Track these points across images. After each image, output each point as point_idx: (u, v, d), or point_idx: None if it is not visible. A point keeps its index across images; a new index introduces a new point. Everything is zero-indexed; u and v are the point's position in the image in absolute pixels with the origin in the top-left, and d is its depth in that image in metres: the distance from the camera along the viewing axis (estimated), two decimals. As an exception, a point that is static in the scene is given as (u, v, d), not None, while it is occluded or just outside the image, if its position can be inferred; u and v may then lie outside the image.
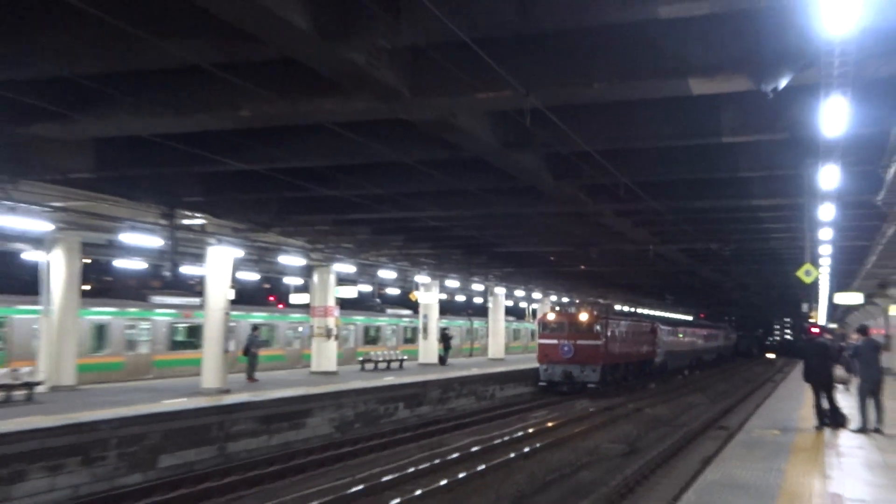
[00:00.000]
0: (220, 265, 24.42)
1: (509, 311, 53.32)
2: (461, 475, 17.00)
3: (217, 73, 11.17)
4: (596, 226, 25.42)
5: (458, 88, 11.23)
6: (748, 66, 10.13)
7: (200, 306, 28.67)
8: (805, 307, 61.73)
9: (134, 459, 16.83)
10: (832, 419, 16.37)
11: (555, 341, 37.06)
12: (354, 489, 15.47)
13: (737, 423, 24.89)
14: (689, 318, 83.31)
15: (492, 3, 9.18)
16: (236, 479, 16.96)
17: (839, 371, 17.39)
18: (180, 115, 12.86)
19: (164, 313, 32.55)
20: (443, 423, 26.93)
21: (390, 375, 31.48)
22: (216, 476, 17.31)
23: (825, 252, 26.75)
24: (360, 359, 36.48)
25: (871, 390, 16.02)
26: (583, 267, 39.03)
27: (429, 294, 39.49)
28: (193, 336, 32.03)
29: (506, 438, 22.86)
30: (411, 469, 17.69)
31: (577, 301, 50.18)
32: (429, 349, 39.81)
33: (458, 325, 53.59)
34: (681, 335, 58.72)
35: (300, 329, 38.55)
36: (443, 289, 42.19)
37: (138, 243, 22.30)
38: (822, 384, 16.50)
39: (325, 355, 31.68)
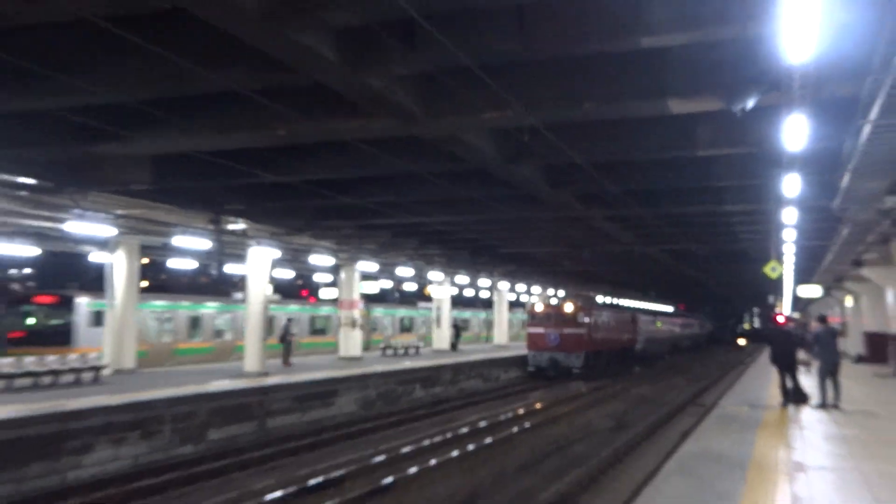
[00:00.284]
0: (260, 264, 24.51)
1: (516, 304, 53.11)
2: (470, 448, 16.96)
3: (256, 98, 11.24)
4: (587, 229, 25.39)
5: (465, 109, 11.29)
6: (720, 89, 10.15)
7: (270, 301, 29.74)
8: (771, 299, 61.54)
9: (185, 433, 16.87)
10: (795, 397, 16.32)
11: (542, 330, 36.04)
12: (377, 459, 15.46)
13: (712, 400, 24.74)
14: (671, 309, 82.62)
15: (495, 35, 9.19)
16: (275, 450, 16.97)
17: (801, 355, 17.35)
18: (224, 134, 12.94)
19: (242, 307, 32.72)
20: (454, 401, 26.85)
21: (408, 360, 31.47)
22: (258, 447, 17.37)
23: (789, 251, 26.72)
24: (382, 345, 36.52)
25: (829, 371, 15.98)
26: (568, 263, 38.94)
27: (441, 289, 39.50)
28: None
29: (509, 415, 22.81)
30: (427, 442, 17.64)
31: (564, 294, 49.85)
32: (442, 337, 39.90)
33: (476, 315, 53.87)
34: (659, 324, 57.44)
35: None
36: (460, 284, 42.27)
37: (189, 245, 22.37)
38: (787, 366, 16.50)
39: (351, 342, 31.64)
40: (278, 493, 12.54)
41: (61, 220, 18.56)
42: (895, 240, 16.51)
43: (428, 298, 50.09)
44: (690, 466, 9.67)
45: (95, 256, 25.64)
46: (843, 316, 40.00)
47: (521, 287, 49.62)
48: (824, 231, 22.61)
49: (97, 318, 26.02)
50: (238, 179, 16.66)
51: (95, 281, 26.52)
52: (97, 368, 20.58)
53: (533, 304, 38.05)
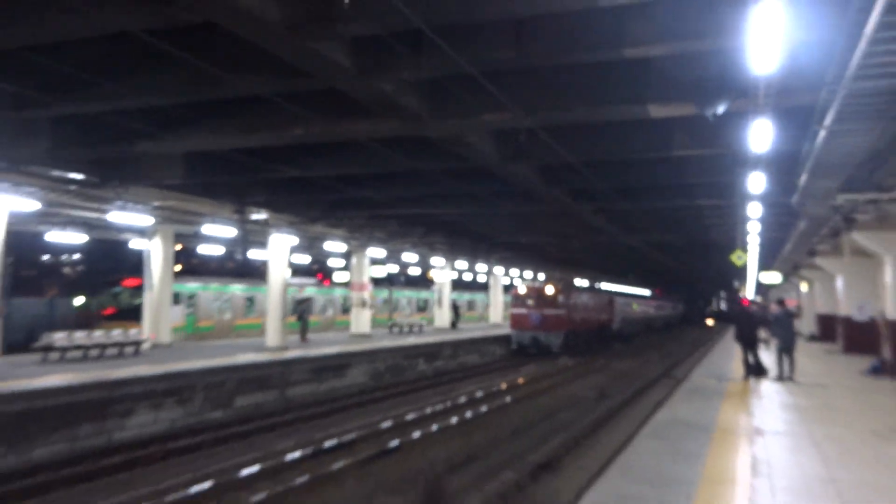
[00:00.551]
0: (280, 250, 24.55)
1: (511, 287, 53.07)
2: (468, 415, 17.05)
3: (277, 102, 11.26)
4: (576, 221, 25.38)
5: (467, 112, 11.29)
6: (695, 96, 10.16)
7: (309, 284, 32.73)
8: (737, 284, 61.51)
9: (216, 400, 16.96)
10: (756, 371, 16.40)
11: (524, 311, 34.92)
12: (385, 425, 15.54)
13: (683, 374, 24.82)
14: (648, 292, 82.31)
15: (494, 45, 9.19)
16: (294, 416, 17.07)
17: (762, 333, 17.41)
18: (248, 134, 12.94)
19: (289, 289, 33.88)
20: (454, 374, 26.93)
21: (412, 337, 31.53)
22: (279, 413, 17.46)
23: (753, 241, 26.75)
24: (389, 324, 36.61)
25: (786, 348, 16.08)
26: (559, 251, 38.79)
27: (442, 273, 39.47)
28: (307, 304, 34.03)
29: (503, 386, 22.90)
30: (429, 410, 17.71)
31: (546, 277, 49.36)
32: (443, 316, 39.89)
33: (474, 297, 54.05)
34: (635, 306, 56.57)
35: (341, 301, 38.81)
36: (460, 269, 42.35)
37: (217, 233, 22.42)
38: (749, 344, 16.57)
39: (362, 321, 31.67)
40: (297, 454, 12.66)
41: (105, 211, 18.69)
42: (845, 233, 16.52)
43: (422, 283, 50.34)
44: (663, 431, 9.75)
45: (135, 243, 25.72)
46: (798, 300, 40.05)
47: (514, 272, 49.64)
48: (784, 224, 22.65)
49: (175, 299, 27.31)
50: (260, 174, 16.69)
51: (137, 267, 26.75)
52: (138, 343, 20.67)
53: (516, 287, 36.88)
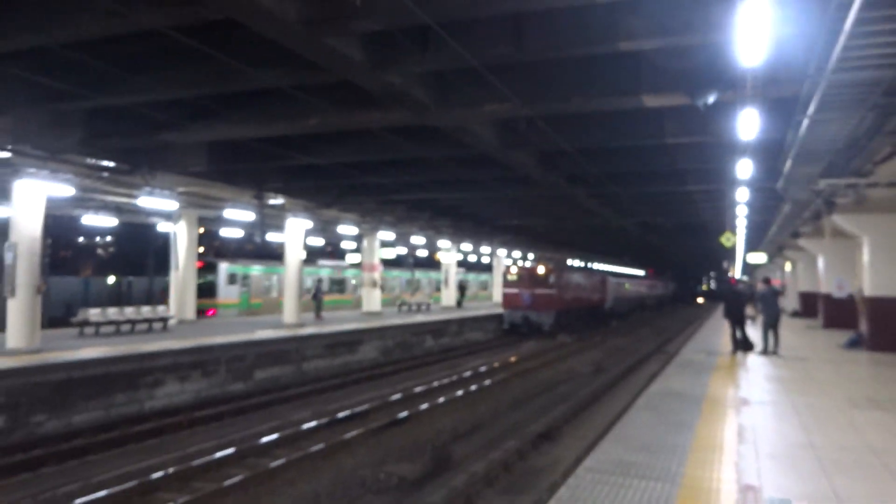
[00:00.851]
0: (295, 233, 24.63)
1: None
2: (472, 388, 17.17)
3: (293, 93, 11.29)
4: (572, 205, 25.37)
5: (471, 102, 11.31)
6: (686, 87, 10.16)
7: (346, 266, 34.11)
8: (725, 264, 61.44)
9: (237, 373, 17.15)
10: (743, 345, 16.46)
11: (516, 291, 33.72)
12: (394, 397, 15.66)
13: (675, 349, 24.91)
14: (641, 272, 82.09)
15: (495, 40, 9.20)
16: (309, 388, 17.21)
17: (749, 310, 17.46)
18: (267, 124, 12.98)
19: (327, 270, 36.76)
20: (459, 350, 27.05)
21: (420, 315, 31.65)
22: (295, 386, 17.62)
23: (740, 224, 26.75)
24: (399, 303, 36.74)
25: (771, 324, 16.11)
26: (556, 233, 38.59)
27: (448, 255, 39.47)
28: (341, 284, 36.05)
29: (505, 362, 23.02)
30: (436, 383, 17.83)
31: (536, 257, 48.84)
32: (449, 295, 39.86)
33: (478, 277, 54.36)
34: (627, 286, 54.87)
35: (353, 281, 39.10)
36: (465, 251, 42.42)
37: (238, 217, 22.51)
38: (736, 320, 16.61)
39: (373, 300, 31.82)
40: (313, 423, 12.80)
41: (135, 196, 18.84)
42: (826, 216, 16.52)
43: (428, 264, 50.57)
44: (656, 402, 9.82)
45: (162, 227, 25.89)
46: (782, 279, 40.05)
47: (516, 253, 49.67)
48: (769, 208, 22.62)
49: (231, 279, 29.72)
50: (277, 161, 16.73)
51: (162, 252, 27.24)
52: (165, 319, 20.85)
53: (508, 267, 35.58)
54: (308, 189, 22.31)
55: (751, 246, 38.24)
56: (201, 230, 28.42)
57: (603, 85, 10.73)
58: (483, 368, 20.86)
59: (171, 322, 21.55)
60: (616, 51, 9.19)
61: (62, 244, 53.91)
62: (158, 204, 19.61)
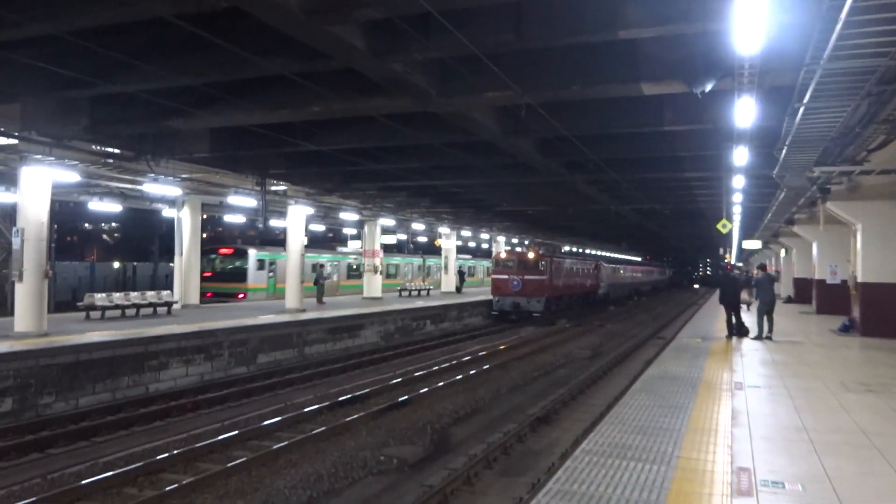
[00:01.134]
0: (297, 219, 24.62)
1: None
2: (472, 372, 17.23)
3: (297, 81, 11.25)
4: (572, 191, 25.33)
5: (472, 90, 11.28)
6: (684, 75, 10.14)
7: (361, 254, 33.64)
8: (721, 251, 61.47)
9: (240, 357, 17.22)
10: (738, 331, 16.52)
11: (505, 276, 32.62)
12: (395, 381, 15.75)
13: (671, 334, 25.01)
14: (637, 258, 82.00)
15: (496, 28, 9.18)
16: (312, 372, 17.30)
17: (744, 295, 17.52)
18: (270, 111, 12.95)
19: (345, 257, 37.87)
20: (458, 334, 27.11)
21: (420, 300, 31.69)
22: (298, 369, 17.68)
23: (736, 211, 26.74)
24: (399, 288, 36.79)
25: (766, 310, 16.16)
26: (555, 220, 38.48)
27: (449, 241, 39.40)
28: (358, 271, 36.27)
29: (503, 346, 23.09)
30: (436, 367, 17.89)
31: (527, 242, 47.90)
32: (449, 281, 39.77)
33: (478, 263, 54.57)
34: (622, 271, 54.28)
35: (355, 266, 39.28)
36: (465, 237, 42.43)
37: (240, 203, 22.51)
38: (731, 306, 16.66)
39: (374, 285, 31.80)
40: (315, 406, 12.88)
41: (140, 183, 18.83)
42: (820, 203, 16.54)
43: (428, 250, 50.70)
44: (653, 386, 9.87)
45: (166, 213, 25.91)
46: (777, 265, 40.11)
47: (515, 240, 49.68)
48: (765, 195, 22.60)
49: (260, 265, 30.68)
50: (280, 148, 16.71)
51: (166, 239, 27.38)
52: (169, 303, 20.90)
53: (497, 252, 34.36)
54: (310, 176, 22.29)
55: (746, 232, 38.24)
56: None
57: (602, 73, 10.70)
58: (482, 353, 20.93)
59: (176, 307, 21.60)
60: (615, 39, 9.15)
61: (68, 230, 53.92)
62: (163, 190, 19.66)
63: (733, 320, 16.56)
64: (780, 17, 7.08)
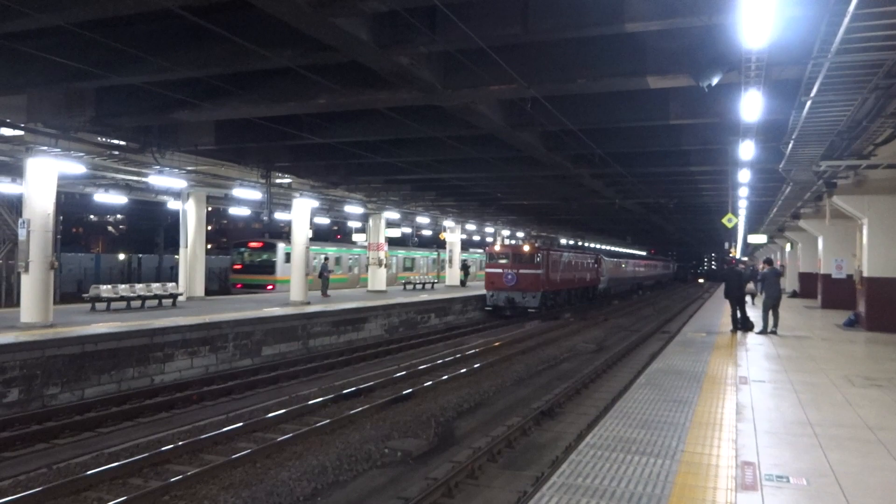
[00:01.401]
0: (302, 212, 24.63)
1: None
2: (476, 365, 17.26)
3: (303, 73, 11.23)
4: (577, 185, 25.27)
5: (477, 83, 11.23)
6: (690, 68, 10.09)
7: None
8: (726, 245, 61.28)
9: (245, 349, 17.27)
10: (743, 325, 16.51)
11: (500, 270, 31.27)
12: (399, 374, 15.77)
13: (676, 328, 25.01)
14: (642, 252, 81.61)
15: (502, 20, 9.14)
16: (316, 364, 17.34)
17: (749, 286, 17.52)
18: (275, 103, 12.93)
19: (358, 251, 38.15)
20: (462, 328, 27.12)
21: (424, 294, 31.67)
22: (302, 362, 17.73)
23: (742, 205, 26.67)
24: (403, 281, 36.81)
25: (771, 305, 16.14)
26: (560, 214, 38.39)
27: (453, 234, 39.36)
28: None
29: (508, 339, 23.11)
30: (440, 360, 17.91)
31: (523, 235, 47.25)
32: (453, 274, 39.75)
33: (482, 257, 54.40)
34: (624, 266, 52.73)
35: (359, 259, 39.35)
36: (469, 231, 42.40)
37: (245, 196, 22.53)
38: (736, 300, 16.65)
39: (378, 278, 31.79)
40: (320, 399, 12.92)
41: (145, 175, 18.87)
42: (826, 197, 16.48)
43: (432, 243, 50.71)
44: (658, 380, 9.88)
45: (172, 205, 25.94)
46: (783, 260, 40.03)
47: (520, 234, 49.61)
48: (771, 189, 22.53)
49: (288, 257, 30.02)
50: (286, 141, 16.69)
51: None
52: (174, 296, 20.96)
53: (492, 244, 33.03)
54: (316, 168, 22.27)
55: (752, 227, 38.14)
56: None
57: (608, 66, 10.65)
58: (486, 346, 20.95)
59: (181, 299, 21.66)
60: (621, 32, 9.11)
61: (74, 221, 54.09)
62: (168, 182, 19.68)
63: (738, 315, 16.55)
64: (788, 10, 7.05)
